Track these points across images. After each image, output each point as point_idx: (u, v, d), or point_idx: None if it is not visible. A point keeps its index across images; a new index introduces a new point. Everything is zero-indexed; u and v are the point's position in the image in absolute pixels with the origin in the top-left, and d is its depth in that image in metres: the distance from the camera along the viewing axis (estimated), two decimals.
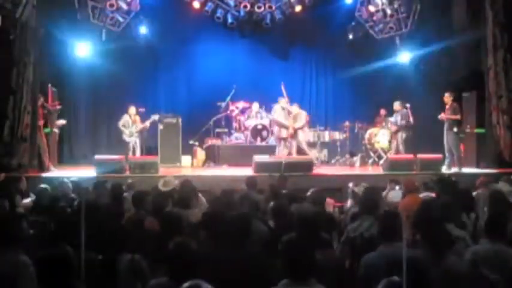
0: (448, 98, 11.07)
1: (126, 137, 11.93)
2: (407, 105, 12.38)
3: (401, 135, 12.02)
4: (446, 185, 6.27)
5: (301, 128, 11.97)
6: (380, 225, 4.03)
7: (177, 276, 3.13)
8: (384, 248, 3.79)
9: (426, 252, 3.55)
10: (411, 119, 12.39)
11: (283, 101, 11.99)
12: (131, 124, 11.97)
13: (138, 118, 12.08)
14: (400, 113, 12.06)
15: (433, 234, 3.65)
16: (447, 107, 11.05)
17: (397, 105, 12.21)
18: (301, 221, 4.39)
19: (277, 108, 12.10)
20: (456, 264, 3.60)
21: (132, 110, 12.06)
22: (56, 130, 11.82)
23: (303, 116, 12.04)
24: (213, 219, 4.47)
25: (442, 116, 11.03)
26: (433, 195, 6.25)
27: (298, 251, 3.29)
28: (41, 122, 11.03)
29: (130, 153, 11.79)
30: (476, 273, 3.64)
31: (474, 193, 6.37)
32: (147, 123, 12.05)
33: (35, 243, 3.93)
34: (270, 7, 13.39)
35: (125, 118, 11.98)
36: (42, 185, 7.17)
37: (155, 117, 12.14)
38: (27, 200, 6.46)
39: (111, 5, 11.85)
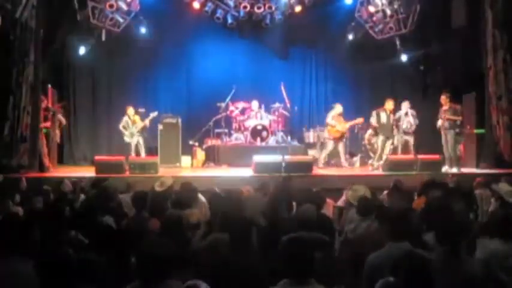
0: (445, 99, 11.07)
1: (127, 139, 12.08)
2: None
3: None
4: (436, 188, 6.21)
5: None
6: (388, 224, 4.00)
7: (147, 278, 3.15)
8: (390, 247, 3.79)
9: (441, 252, 3.53)
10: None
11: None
12: (131, 125, 12.06)
13: (137, 118, 12.16)
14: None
15: (450, 233, 3.62)
16: (445, 108, 11.03)
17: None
18: (298, 222, 4.41)
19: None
20: (472, 264, 3.59)
21: (131, 110, 12.15)
22: (56, 131, 11.82)
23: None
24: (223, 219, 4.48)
25: (443, 116, 10.98)
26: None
27: (298, 251, 3.30)
28: (47, 124, 11.04)
29: (134, 154, 11.89)
30: (489, 273, 3.63)
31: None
32: (147, 121, 12.14)
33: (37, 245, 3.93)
34: (270, 7, 13.40)
35: (125, 119, 12.11)
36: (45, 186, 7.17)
37: (154, 114, 12.20)
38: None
39: (111, 6, 11.85)
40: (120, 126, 12.11)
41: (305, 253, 3.30)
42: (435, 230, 3.82)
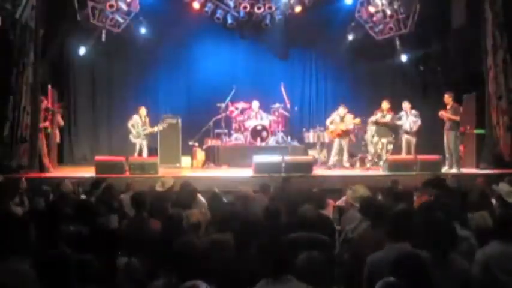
0: (448, 98, 11.09)
1: (132, 138, 11.97)
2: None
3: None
4: (441, 186, 6.22)
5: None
6: (389, 225, 4.00)
7: (183, 276, 3.16)
8: (390, 247, 3.78)
9: (430, 252, 3.53)
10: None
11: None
12: (141, 125, 11.98)
13: (148, 120, 12.10)
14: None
15: (436, 235, 3.63)
16: (448, 107, 11.07)
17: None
18: (298, 223, 4.41)
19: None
20: (461, 265, 3.59)
21: (143, 111, 12.08)
22: (56, 131, 11.82)
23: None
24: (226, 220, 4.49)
25: (442, 113, 11.03)
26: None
27: (271, 250, 3.33)
28: (47, 124, 11.03)
29: (136, 155, 11.83)
30: (488, 275, 3.62)
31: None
32: (155, 129, 12.06)
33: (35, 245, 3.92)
34: (270, 8, 13.40)
35: (135, 119, 11.98)
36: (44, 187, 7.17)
37: (164, 125, 12.12)
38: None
39: (111, 6, 11.86)
40: (129, 125, 11.97)
41: (278, 252, 3.32)
42: (427, 230, 3.81)
